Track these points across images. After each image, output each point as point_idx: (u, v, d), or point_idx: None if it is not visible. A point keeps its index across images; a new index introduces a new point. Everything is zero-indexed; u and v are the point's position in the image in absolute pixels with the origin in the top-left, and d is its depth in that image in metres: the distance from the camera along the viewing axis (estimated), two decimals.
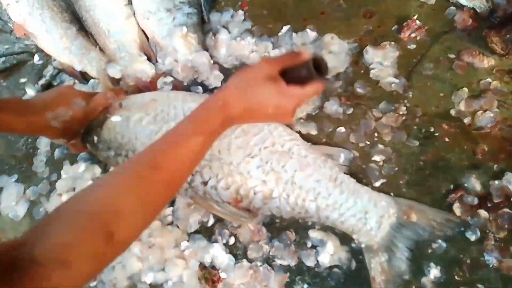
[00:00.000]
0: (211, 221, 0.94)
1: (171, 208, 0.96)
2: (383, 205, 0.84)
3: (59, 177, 1.05)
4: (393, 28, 1.01)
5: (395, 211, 0.83)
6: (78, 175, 1.03)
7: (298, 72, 0.73)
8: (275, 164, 0.84)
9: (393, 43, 0.98)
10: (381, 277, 0.81)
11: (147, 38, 1.11)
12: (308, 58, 0.73)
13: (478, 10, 0.97)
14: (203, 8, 1.11)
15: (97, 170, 1.03)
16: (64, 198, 1.01)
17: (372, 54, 0.97)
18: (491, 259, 0.80)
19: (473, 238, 0.82)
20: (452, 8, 0.99)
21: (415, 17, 0.98)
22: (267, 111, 0.73)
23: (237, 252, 0.90)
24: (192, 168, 0.73)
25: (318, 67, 0.73)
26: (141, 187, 0.63)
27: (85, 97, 0.93)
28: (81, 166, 1.04)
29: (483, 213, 0.82)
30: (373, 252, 0.83)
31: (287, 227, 0.90)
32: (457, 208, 0.84)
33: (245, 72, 0.74)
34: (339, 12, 1.07)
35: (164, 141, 0.70)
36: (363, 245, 0.85)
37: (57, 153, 1.09)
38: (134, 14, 1.11)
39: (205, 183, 0.85)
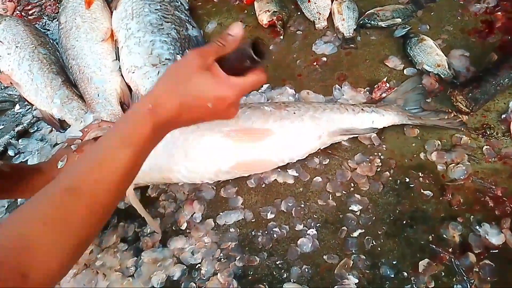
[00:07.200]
0: (177, 275, 0.87)
1: (135, 258, 0.90)
2: None
3: None
4: (365, 89, 1.07)
5: None
6: None
7: (236, 59, 0.62)
8: None
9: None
10: None
11: (131, 91, 1.15)
12: (244, 42, 0.61)
13: (442, 76, 1.05)
14: None
15: None
16: None
17: None
18: None
19: None
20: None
21: (385, 79, 1.05)
22: (206, 105, 0.62)
23: None
24: (125, 185, 0.61)
25: (257, 51, 0.60)
26: (56, 216, 0.53)
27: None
28: None
29: (471, 256, 0.79)
30: None
31: (261, 280, 0.83)
32: None
33: (174, 66, 0.64)
34: (315, 75, 1.14)
35: (83, 161, 0.61)
36: None
37: None
38: (119, 68, 1.16)
39: None
